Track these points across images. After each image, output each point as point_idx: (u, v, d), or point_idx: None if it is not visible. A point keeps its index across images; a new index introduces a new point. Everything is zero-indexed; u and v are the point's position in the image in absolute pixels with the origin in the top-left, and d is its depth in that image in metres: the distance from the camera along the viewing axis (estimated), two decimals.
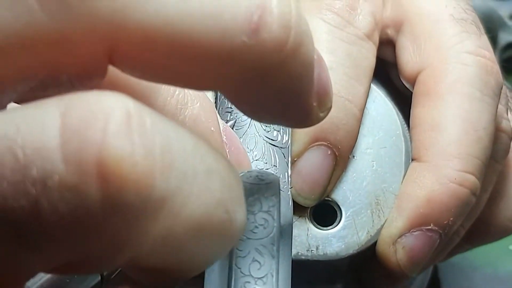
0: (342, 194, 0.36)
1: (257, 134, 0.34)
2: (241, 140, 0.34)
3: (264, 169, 0.33)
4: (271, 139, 0.34)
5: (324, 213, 0.36)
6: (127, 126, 0.19)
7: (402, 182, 0.37)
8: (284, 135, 0.35)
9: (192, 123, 0.27)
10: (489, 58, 0.37)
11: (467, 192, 0.35)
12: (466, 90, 0.36)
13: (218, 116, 0.29)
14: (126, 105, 0.19)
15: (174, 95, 0.27)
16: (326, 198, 0.36)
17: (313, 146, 0.35)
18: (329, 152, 0.35)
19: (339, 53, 0.36)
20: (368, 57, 0.37)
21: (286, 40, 0.21)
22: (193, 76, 0.21)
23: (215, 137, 0.28)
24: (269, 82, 0.22)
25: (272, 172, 0.33)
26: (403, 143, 0.37)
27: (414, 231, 0.35)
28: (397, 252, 0.35)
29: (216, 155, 0.21)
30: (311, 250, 0.36)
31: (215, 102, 0.36)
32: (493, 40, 0.73)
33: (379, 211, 0.36)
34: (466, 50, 0.37)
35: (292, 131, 0.35)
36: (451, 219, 0.35)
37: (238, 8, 0.20)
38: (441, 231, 0.35)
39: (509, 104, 0.41)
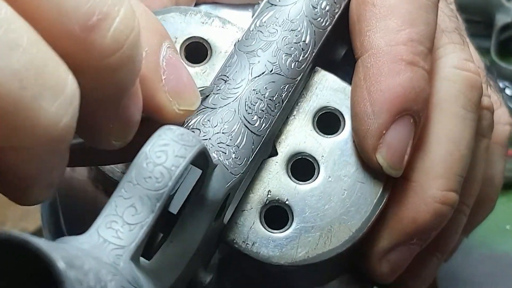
0: (301, 206, 0.36)
1: (237, 111, 0.34)
2: (220, 110, 0.34)
3: (224, 144, 0.33)
4: (248, 122, 0.34)
5: (276, 215, 0.36)
6: None
7: (362, 222, 0.36)
8: (264, 124, 0.34)
9: None
10: (474, 71, 0.39)
11: (448, 209, 0.37)
12: (451, 109, 0.38)
13: (170, 46, 0.30)
14: None
15: None
16: (285, 203, 0.36)
17: (400, 117, 0.35)
18: (411, 121, 0.36)
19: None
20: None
21: (111, 54, 0.25)
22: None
23: (147, 58, 0.29)
24: (86, 79, 0.25)
25: (232, 150, 0.33)
26: (382, 187, 0.36)
27: (398, 248, 0.38)
28: (382, 266, 0.38)
29: (34, 38, 0.23)
30: (247, 243, 0.35)
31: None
32: (490, 21, 0.75)
33: (327, 238, 0.35)
34: (452, 64, 0.38)
35: (372, 101, 0.35)
36: (433, 233, 0.38)
37: (84, 3, 0.24)
38: (422, 243, 0.38)
39: (488, 79, 0.44)
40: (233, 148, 0.33)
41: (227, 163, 0.33)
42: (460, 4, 0.46)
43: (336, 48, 0.40)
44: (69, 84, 0.24)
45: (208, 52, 0.38)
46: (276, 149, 0.37)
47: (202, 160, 0.28)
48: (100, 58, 0.25)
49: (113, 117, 0.28)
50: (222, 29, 0.38)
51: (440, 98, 0.38)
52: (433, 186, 0.37)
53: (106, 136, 0.28)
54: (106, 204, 0.26)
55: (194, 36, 0.38)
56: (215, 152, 0.33)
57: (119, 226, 0.26)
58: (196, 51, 0.38)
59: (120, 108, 0.27)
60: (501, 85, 0.72)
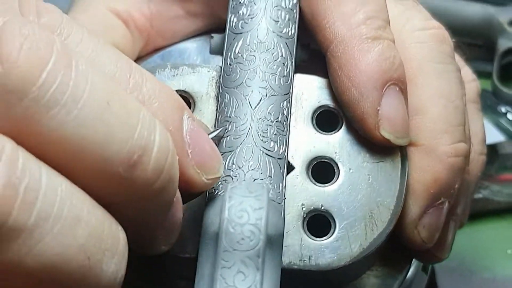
0: (337, 206, 0.37)
1: (254, 144, 0.35)
2: (238, 150, 0.35)
3: (259, 179, 0.34)
4: (268, 150, 0.35)
5: (318, 224, 0.37)
6: None
7: (396, 196, 0.37)
8: (281, 146, 0.35)
9: None
10: (438, 27, 0.41)
11: (462, 160, 0.39)
12: (430, 68, 0.39)
13: (189, 116, 0.31)
14: (3, 143, 0.23)
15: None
16: (322, 209, 0.37)
17: (386, 89, 0.37)
18: (397, 89, 0.37)
19: None
20: None
21: (154, 181, 0.26)
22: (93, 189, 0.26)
23: (173, 137, 0.30)
24: (133, 206, 0.27)
25: (268, 182, 0.34)
26: (399, 158, 0.38)
27: (429, 210, 0.39)
28: (420, 232, 0.39)
29: (92, 206, 0.25)
30: (304, 260, 0.36)
31: (216, 110, 0.37)
32: (492, 45, 0.74)
33: (372, 224, 0.37)
34: (416, 28, 0.40)
35: (355, 85, 0.36)
36: (456, 186, 0.39)
37: (125, 145, 0.25)
38: (449, 199, 0.39)
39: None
40: (267, 179, 0.34)
41: (271, 196, 0.33)
42: (462, 27, 0.48)
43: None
44: (121, 239, 0.25)
45: (191, 101, 0.38)
46: (291, 164, 0.37)
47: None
48: (145, 189, 0.26)
49: (161, 227, 0.29)
50: (194, 74, 0.38)
51: (418, 61, 0.39)
52: (441, 143, 0.38)
53: (155, 244, 0.30)
54: (212, 282, 0.26)
55: None
56: None
57: None
58: None
59: (167, 216, 0.29)
60: (503, 109, 0.72)
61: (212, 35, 0.40)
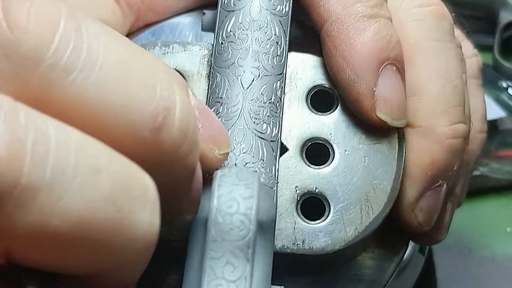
0: (332, 189, 0.36)
1: (246, 127, 0.34)
2: (229, 132, 0.34)
3: (250, 163, 0.33)
4: (260, 132, 0.34)
5: (312, 207, 0.36)
6: None
7: (393, 179, 0.36)
8: (274, 128, 0.34)
9: None
10: (437, 3, 0.39)
11: (461, 141, 0.38)
12: (428, 46, 0.38)
13: (192, 93, 0.30)
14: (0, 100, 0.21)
15: None
16: (316, 192, 0.36)
17: (383, 69, 0.36)
18: (394, 69, 0.36)
19: None
20: None
21: (181, 144, 0.25)
22: None
23: None
24: (160, 172, 0.25)
25: (260, 166, 0.33)
26: (396, 139, 0.37)
27: (427, 193, 0.38)
28: (417, 216, 0.38)
29: (111, 154, 0.23)
30: (297, 244, 0.35)
31: (207, 90, 0.36)
32: (494, 18, 0.73)
33: (368, 207, 0.36)
34: (414, 5, 0.39)
35: (350, 66, 0.35)
36: (454, 168, 0.38)
37: (148, 106, 0.24)
38: (447, 181, 0.38)
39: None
40: (259, 163, 0.33)
41: (263, 180, 0.33)
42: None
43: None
44: (150, 187, 0.24)
45: None
46: (285, 146, 0.36)
47: None
48: (172, 152, 0.25)
49: (186, 195, 0.27)
50: (185, 53, 0.37)
51: (416, 39, 0.38)
52: (439, 124, 0.37)
53: (180, 213, 0.28)
54: (201, 273, 0.25)
55: None
56: None
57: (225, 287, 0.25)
58: None
59: (191, 184, 0.27)
60: (503, 84, 0.71)
61: (204, 11, 0.39)
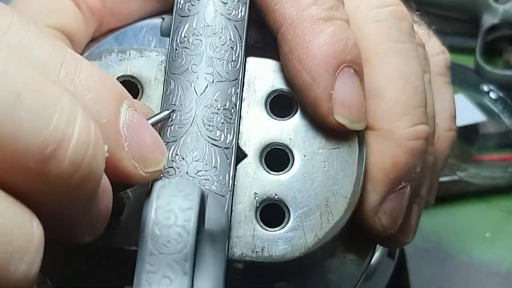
0: (291, 195, 0.35)
1: (199, 134, 0.33)
2: (182, 140, 0.33)
3: (203, 171, 0.32)
4: (214, 139, 0.33)
5: (272, 213, 0.35)
6: None
7: (353, 184, 0.36)
8: (228, 135, 0.34)
9: None
10: (395, 3, 0.39)
11: (422, 142, 0.37)
12: (388, 47, 0.37)
13: (129, 106, 0.30)
14: None
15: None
16: (275, 198, 0.35)
17: (340, 72, 0.35)
18: (352, 71, 0.35)
19: None
20: None
21: (72, 174, 0.25)
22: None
23: (107, 130, 0.28)
24: (51, 199, 0.25)
25: (212, 174, 0.32)
26: (357, 143, 0.36)
27: (390, 196, 0.37)
28: (381, 219, 0.37)
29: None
30: (256, 252, 0.35)
31: (162, 98, 0.35)
32: (477, 20, 0.72)
33: (328, 213, 0.35)
34: (372, 6, 0.38)
35: (307, 69, 0.34)
36: (417, 170, 0.38)
37: (36, 138, 0.24)
38: (410, 183, 0.38)
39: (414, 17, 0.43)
40: (212, 171, 0.32)
41: (214, 188, 0.32)
42: (447, 1, 0.45)
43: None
44: (35, 236, 0.24)
45: (139, 86, 0.36)
46: (243, 151, 0.36)
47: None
48: (62, 182, 0.25)
49: (82, 219, 0.28)
50: (142, 59, 0.37)
51: (375, 41, 0.38)
52: (400, 126, 0.37)
53: (79, 234, 0.28)
54: (135, 285, 0.25)
55: (118, 76, 0.36)
56: (199, 182, 0.32)
57: None
58: (126, 89, 0.36)
59: (90, 208, 0.27)
60: (485, 88, 0.70)
61: (163, 16, 0.38)
